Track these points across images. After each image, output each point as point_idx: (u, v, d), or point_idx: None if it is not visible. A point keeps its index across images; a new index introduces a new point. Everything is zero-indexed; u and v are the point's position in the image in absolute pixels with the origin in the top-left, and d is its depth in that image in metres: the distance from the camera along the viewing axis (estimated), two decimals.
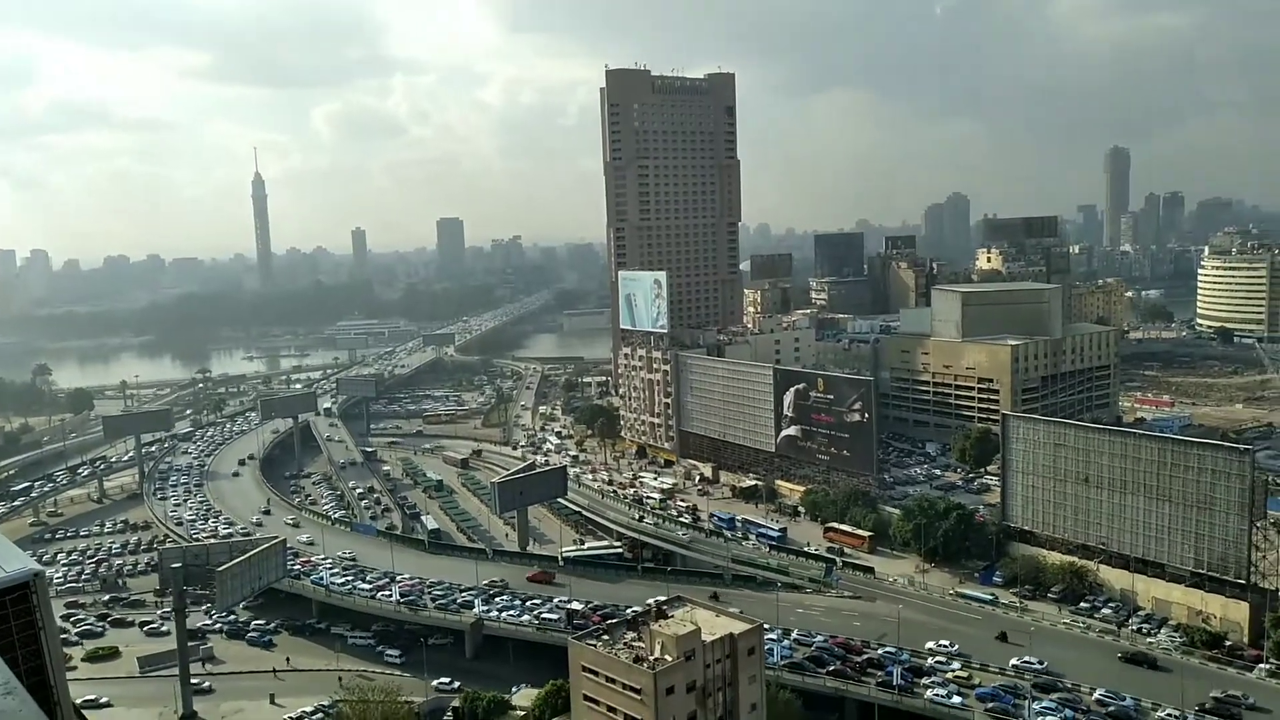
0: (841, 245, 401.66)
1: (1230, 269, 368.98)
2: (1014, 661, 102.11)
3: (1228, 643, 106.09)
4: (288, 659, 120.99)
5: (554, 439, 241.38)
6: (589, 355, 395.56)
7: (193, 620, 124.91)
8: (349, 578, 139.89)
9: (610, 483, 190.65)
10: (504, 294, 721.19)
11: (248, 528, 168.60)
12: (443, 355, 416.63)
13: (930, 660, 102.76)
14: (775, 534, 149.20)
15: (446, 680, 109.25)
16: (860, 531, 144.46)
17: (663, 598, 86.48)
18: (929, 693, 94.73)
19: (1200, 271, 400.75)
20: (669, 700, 70.07)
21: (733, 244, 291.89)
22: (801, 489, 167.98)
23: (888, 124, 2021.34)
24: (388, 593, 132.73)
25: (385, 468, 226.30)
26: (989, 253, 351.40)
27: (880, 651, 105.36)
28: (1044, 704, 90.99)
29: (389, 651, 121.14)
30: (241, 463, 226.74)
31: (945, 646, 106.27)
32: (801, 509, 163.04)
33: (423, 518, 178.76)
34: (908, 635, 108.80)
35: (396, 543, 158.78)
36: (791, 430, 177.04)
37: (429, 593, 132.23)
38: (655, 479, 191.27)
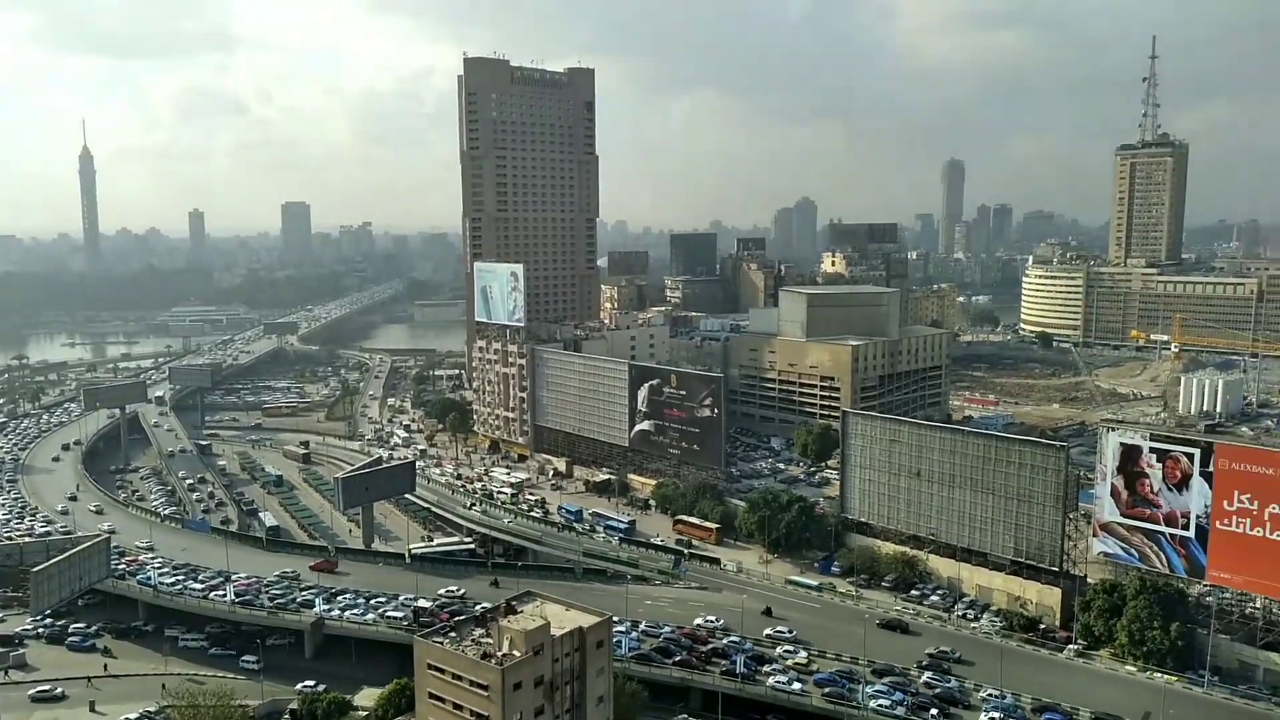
0: (696, 245, 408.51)
1: (1051, 278, 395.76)
2: (767, 631, 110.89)
3: (1042, 626, 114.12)
4: (105, 665, 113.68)
5: (402, 433, 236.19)
6: (442, 347, 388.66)
7: (9, 625, 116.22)
8: (179, 577, 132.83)
9: (459, 477, 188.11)
10: (353, 282, 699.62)
11: (67, 524, 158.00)
12: (285, 345, 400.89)
13: (778, 649, 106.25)
14: (623, 526, 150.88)
15: (311, 684, 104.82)
16: (708, 524, 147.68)
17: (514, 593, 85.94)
18: (771, 680, 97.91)
19: (1024, 279, 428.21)
20: (516, 696, 69.89)
21: (591, 239, 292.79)
22: (653, 483, 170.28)
23: (742, 127, 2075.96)
24: (221, 592, 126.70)
25: (220, 462, 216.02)
26: (834, 256, 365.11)
27: (725, 641, 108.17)
28: (877, 687, 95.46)
29: (245, 657, 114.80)
30: (65, 448, 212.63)
31: (712, 621, 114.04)
32: (653, 502, 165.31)
33: (261, 514, 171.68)
34: (749, 624, 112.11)
35: (232, 540, 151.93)
36: (645, 425, 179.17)
37: (267, 592, 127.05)
38: (508, 474, 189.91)
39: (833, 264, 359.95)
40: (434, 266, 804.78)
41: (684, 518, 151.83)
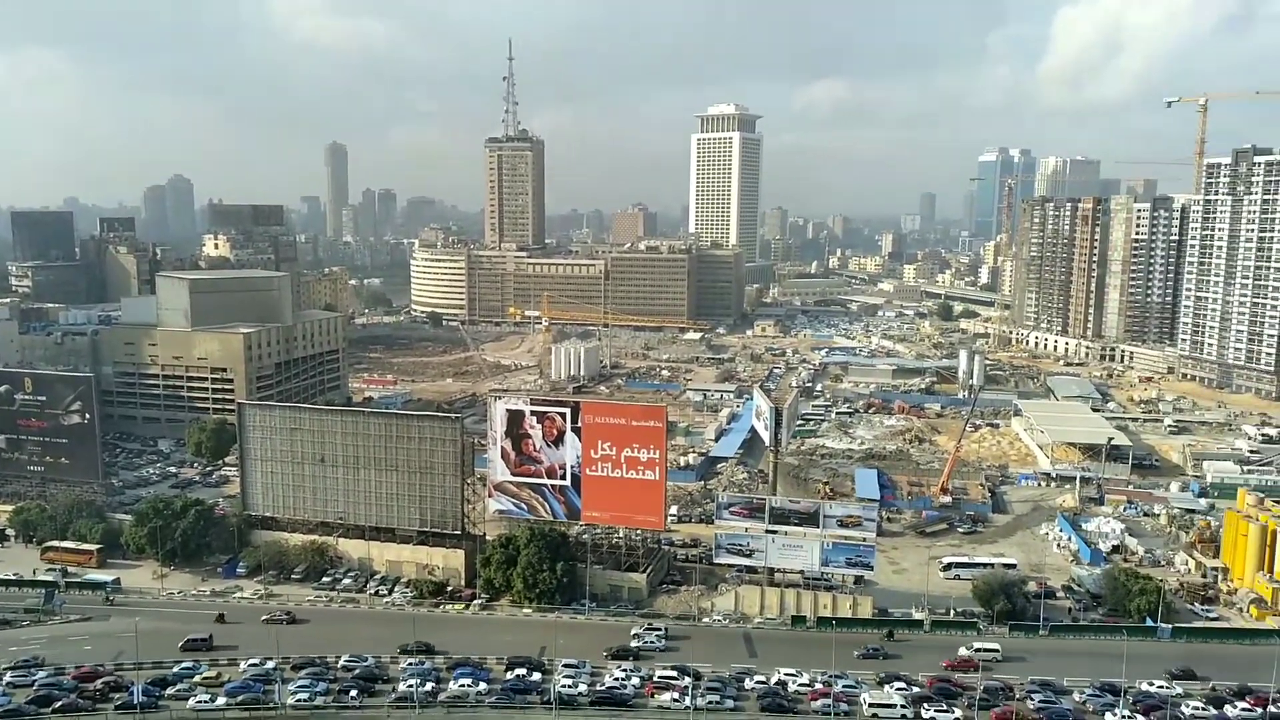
0: (46, 225, 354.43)
1: (436, 261, 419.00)
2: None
3: (449, 588, 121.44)
4: None
5: None
6: None
7: None
8: None
9: None
10: None
11: None
12: None
13: (176, 669, 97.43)
14: None
15: None
16: (86, 546, 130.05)
17: None
18: (192, 700, 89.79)
19: (413, 262, 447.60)
20: None
21: None
22: (10, 508, 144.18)
23: (96, 94, 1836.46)
24: None
25: None
26: (217, 238, 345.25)
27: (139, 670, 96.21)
28: (298, 682, 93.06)
29: None
30: None
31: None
32: (11, 531, 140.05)
33: None
34: (151, 647, 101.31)
35: None
36: None
37: None
38: None
39: (216, 247, 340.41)
40: None
41: (55, 544, 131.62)
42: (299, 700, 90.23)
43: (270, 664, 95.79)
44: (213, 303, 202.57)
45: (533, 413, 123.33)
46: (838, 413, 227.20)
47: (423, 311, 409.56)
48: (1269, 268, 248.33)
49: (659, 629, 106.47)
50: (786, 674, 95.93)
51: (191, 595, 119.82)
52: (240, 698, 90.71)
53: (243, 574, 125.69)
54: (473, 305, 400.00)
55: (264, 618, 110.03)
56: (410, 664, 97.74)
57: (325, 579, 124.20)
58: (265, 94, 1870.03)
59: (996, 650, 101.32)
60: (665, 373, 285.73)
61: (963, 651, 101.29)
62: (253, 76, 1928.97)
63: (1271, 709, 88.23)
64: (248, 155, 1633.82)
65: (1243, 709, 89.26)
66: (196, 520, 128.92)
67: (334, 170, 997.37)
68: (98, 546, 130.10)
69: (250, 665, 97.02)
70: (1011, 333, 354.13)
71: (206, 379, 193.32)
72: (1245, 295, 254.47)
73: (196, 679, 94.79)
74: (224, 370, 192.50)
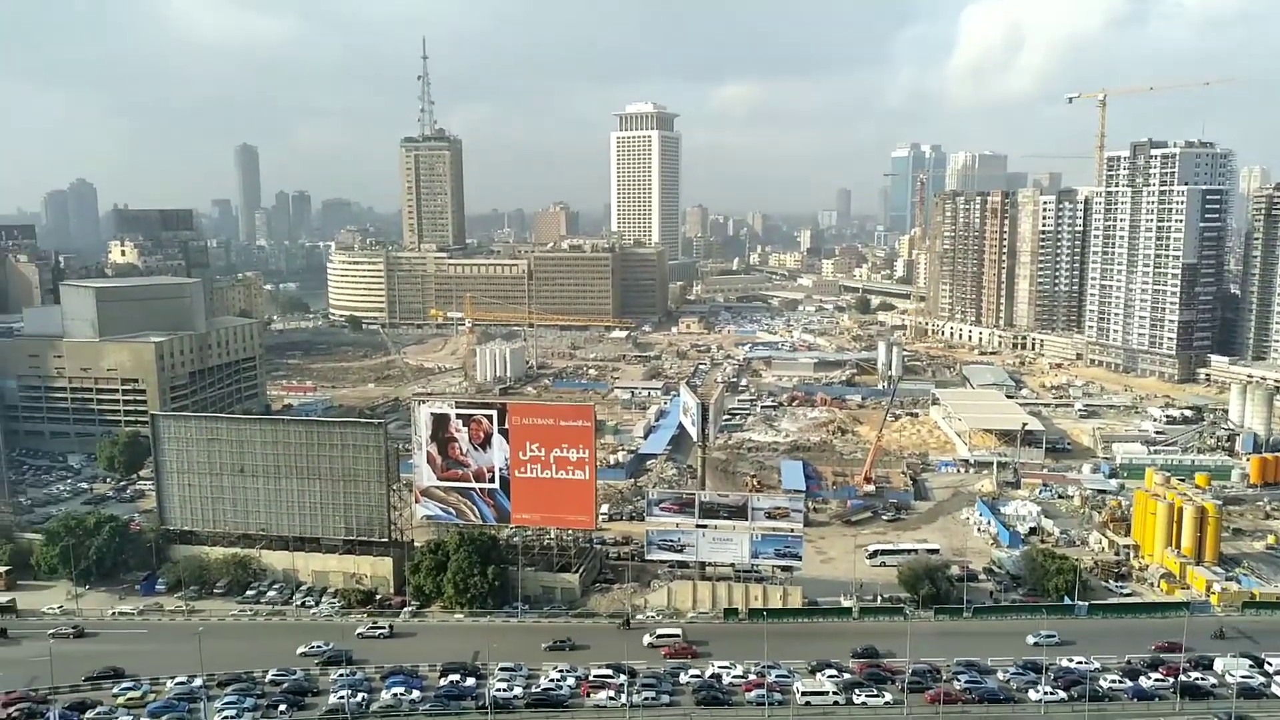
0: None
1: (354, 264, 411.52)
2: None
3: (378, 596, 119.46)
4: None
5: None
6: None
7: None
8: None
9: None
10: None
11: None
12: None
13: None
14: None
15: None
16: None
17: None
18: None
19: (329, 265, 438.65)
20: None
21: None
22: None
23: None
24: None
25: None
26: (123, 245, 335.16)
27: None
28: (226, 699, 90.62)
29: None
30: None
31: None
32: None
33: None
34: (68, 669, 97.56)
35: None
36: None
37: None
38: None
39: (123, 254, 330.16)
40: None
41: None
42: (226, 717, 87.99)
43: (197, 681, 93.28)
44: (121, 311, 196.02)
45: (458, 416, 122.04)
46: (762, 406, 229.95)
47: (341, 316, 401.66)
48: (1167, 255, 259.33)
49: (383, 628, 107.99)
50: (721, 666, 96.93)
51: (110, 615, 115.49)
52: (164, 718, 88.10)
53: (162, 590, 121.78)
54: (393, 308, 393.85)
55: (49, 632, 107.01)
56: (341, 674, 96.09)
57: (249, 592, 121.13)
58: (169, 94, 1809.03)
59: (678, 635, 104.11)
60: (592, 371, 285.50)
61: (646, 639, 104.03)
62: (154, 76, 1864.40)
63: (1182, 679, 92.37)
64: (154, 159, 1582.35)
65: (1156, 679, 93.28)
66: (111, 537, 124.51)
67: (245, 172, 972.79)
68: (6, 568, 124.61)
69: (176, 684, 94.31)
70: (927, 324, 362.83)
71: (117, 390, 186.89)
72: (1146, 282, 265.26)
73: (119, 700, 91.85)
74: (135, 381, 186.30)
